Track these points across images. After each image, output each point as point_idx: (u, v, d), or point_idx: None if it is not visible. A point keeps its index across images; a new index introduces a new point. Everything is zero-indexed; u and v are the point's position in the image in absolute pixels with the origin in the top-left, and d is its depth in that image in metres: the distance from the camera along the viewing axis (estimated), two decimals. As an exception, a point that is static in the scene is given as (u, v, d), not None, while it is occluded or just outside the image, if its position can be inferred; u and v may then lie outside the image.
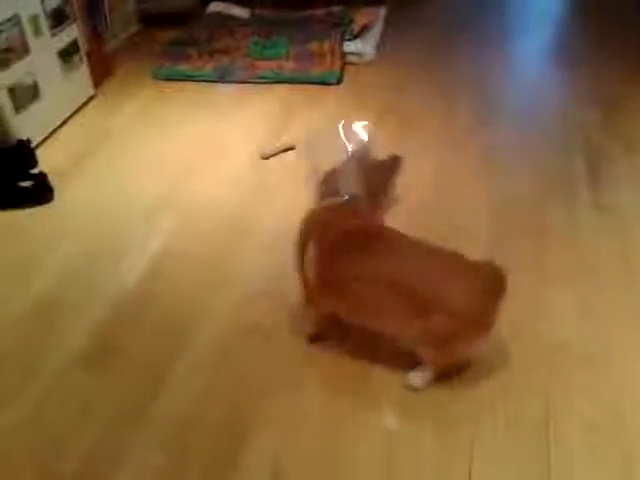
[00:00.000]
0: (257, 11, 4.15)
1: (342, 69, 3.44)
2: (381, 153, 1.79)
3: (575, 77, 3.34)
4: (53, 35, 2.91)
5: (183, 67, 3.51)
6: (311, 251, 1.69)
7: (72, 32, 3.05)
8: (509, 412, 1.65)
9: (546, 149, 2.76)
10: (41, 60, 2.83)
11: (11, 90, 2.66)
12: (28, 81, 2.76)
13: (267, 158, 2.77)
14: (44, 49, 2.85)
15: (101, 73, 3.40)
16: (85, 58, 3.19)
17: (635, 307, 1.94)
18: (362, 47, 3.59)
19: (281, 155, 2.77)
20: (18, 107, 2.70)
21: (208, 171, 2.70)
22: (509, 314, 1.92)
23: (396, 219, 2.25)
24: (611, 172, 2.58)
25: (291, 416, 1.67)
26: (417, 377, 1.70)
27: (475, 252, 2.13)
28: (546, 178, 2.56)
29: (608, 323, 1.89)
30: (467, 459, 1.54)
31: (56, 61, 2.96)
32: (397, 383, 1.72)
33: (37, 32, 2.79)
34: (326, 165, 1.76)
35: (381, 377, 1.75)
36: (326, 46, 3.60)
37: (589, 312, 1.93)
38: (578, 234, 2.25)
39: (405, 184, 2.51)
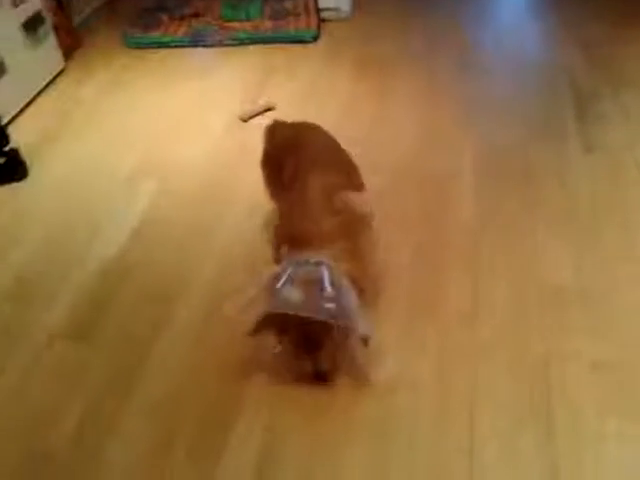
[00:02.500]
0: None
1: (318, 26, 3.33)
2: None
3: (555, 21, 3.26)
4: (15, 6, 2.79)
5: (155, 34, 3.40)
6: None
7: (35, 3, 2.93)
8: (509, 355, 1.61)
9: (531, 94, 2.70)
10: (3, 33, 2.72)
11: (-25, 67, 2.55)
12: (-8, 57, 2.65)
13: (246, 120, 2.68)
14: (5, 21, 2.74)
15: (70, 45, 3.28)
16: (52, 30, 3.07)
17: (629, 243, 1.90)
18: (338, 2, 3.47)
19: (260, 117, 2.68)
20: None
21: (186, 136, 2.61)
22: (504, 259, 1.89)
23: (380, 169, 2.24)
24: (598, 112, 2.52)
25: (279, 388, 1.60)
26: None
27: (461, 198, 2.12)
28: (532, 123, 2.50)
29: (604, 262, 1.84)
30: (468, 402, 1.50)
31: (20, 34, 2.84)
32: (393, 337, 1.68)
33: (-4, 4, 2.67)
34: None
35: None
36: (301, 3, 3.49)
37: (584, 253, 1.88)
38: (568, 177, 2.19)
39: (388, 134, 2.50)
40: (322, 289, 1.44)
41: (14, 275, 1.99)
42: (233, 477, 1.41)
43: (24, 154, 2.44)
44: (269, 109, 2.72)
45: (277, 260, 1.71)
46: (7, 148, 2.44)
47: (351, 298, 1.47)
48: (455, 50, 3.07)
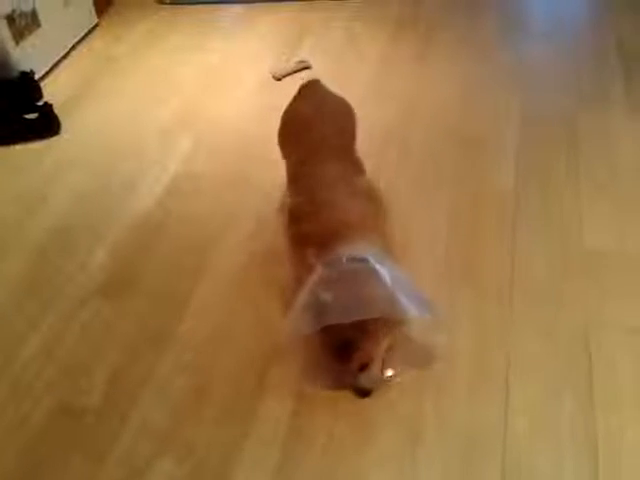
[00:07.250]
0: None
1: (356, -18, 3.23)
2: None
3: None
4: (49, -41, 2.75)
5: (188, -10, 3.34)
6: None
7: (69, -45, 2.89)
8: (546, 322, 1.57)
9: (578, 57, 2.58)
10: (38, -15, 2.69)
11: (9, 18, 2.52)
12: (26, 8, 2.62)
13: (279, 79, 2.63)
14: (40, -26, 2.70)
15: (104, 0, 3.24)
16: (85, -16, 3.03)
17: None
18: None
19: (294, 75, 2.62)
20: (18, 36, 2.58)
21: (219, 94, 2.57)
22: (544, 225, 1.83)
23: (417, 129, 2.18)
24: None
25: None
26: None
27: (503, 163, 2.05)
28: (579, 87, 2.40)
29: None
30: (503, 370, 1.47)
31: (54, -13, 2.81)
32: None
33: (32, -44, 2.63)
34: None
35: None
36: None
37: (626, 219, 1.82)
38: (612, 141, 2.11)
39: (426, 96, 2.43)
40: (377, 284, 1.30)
41: (47, 230, 1.98)
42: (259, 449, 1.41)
43: (57, 109, 2.43)
44: (304, 68, 2.66)
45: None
46: (41, 103, 2.44)
47: (407, 285, 1.33)
48: (499, 11, 2.96)
